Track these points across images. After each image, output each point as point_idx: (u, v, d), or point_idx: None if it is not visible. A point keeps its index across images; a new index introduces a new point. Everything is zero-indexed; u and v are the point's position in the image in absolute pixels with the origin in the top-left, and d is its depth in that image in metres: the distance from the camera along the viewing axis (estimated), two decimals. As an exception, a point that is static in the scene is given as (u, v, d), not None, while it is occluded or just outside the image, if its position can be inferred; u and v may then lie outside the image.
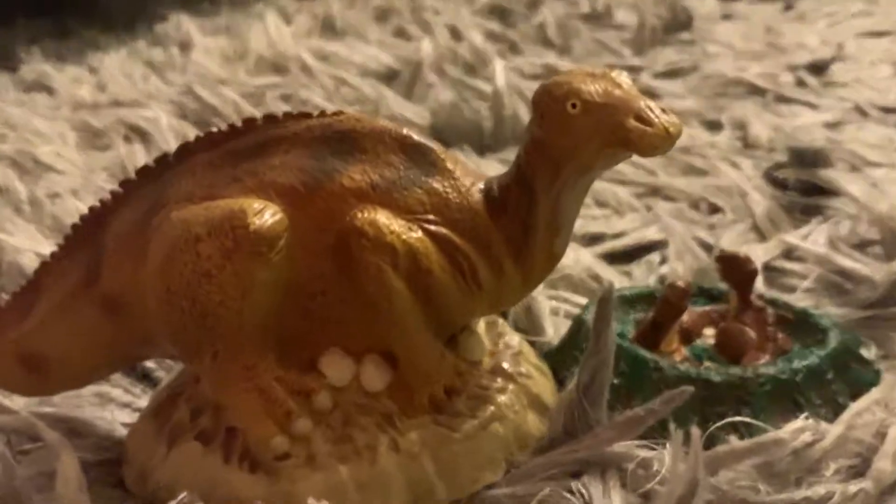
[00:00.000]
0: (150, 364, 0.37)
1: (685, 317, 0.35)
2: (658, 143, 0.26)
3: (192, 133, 0.58)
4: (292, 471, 0.28)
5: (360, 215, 0.28)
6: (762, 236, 0.46)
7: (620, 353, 0.32)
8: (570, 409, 0.30)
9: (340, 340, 0.30)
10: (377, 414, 0.29)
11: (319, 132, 0.29)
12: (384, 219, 0.28)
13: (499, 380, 0.31)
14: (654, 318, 0.35)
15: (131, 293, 0.30)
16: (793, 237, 0.44)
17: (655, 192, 0.51)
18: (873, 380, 0.34)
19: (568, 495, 0.28)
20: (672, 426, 0.20)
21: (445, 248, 0.29)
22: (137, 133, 0.61)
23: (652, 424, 0.29)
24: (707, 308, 0.37)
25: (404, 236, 0.28)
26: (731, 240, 0.45)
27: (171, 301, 0.28)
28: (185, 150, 0.30)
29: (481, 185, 0.30)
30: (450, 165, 0.30)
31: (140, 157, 0.57)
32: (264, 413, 0.28)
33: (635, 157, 0.29)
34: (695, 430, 0.21)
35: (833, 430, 0.30)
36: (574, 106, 0.27)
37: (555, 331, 0.37)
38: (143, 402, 0.35)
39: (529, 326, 0.38)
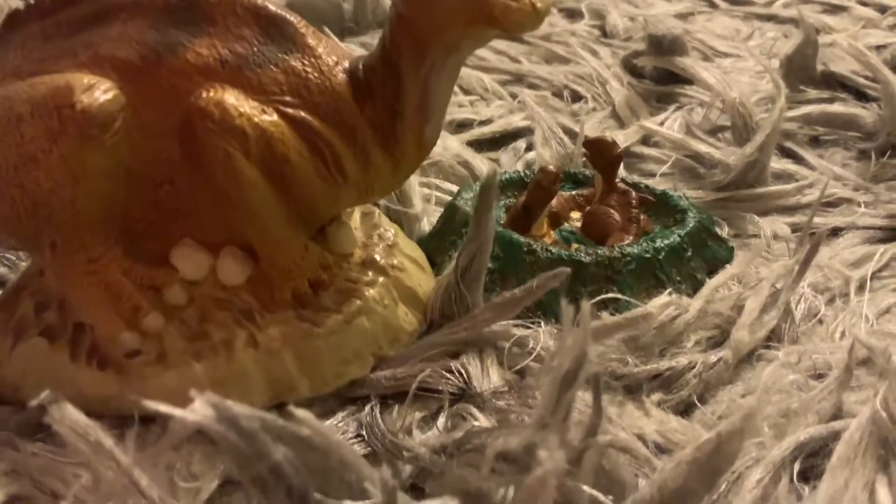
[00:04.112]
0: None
1: (553, 201, 0.35)
2: (524, 19, 0.24)
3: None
4: (143, 368, 0.26)
5: (205, 95, 0.25)
6: (622, 123, 0.46)
7: (495, 237, 0.32)
8: (447, 293, 0.30)
9: (194, 232, 0.27)
10: (235, 309, 0.27)
11: (163, 0, 0.26)
12: (233, 99, 0.25)
13: (369, 273, 0.29)
14: (525, 202, 0.34)
15: None
16: (651, 123, 0.45)
17: (520, 79, 0.50)
18: (727, 257, 0.35)
19: (447, 374, 0.28)
20: (563, 302, 0.20)
21: (305, 133, 0.26)
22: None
23: (526, 305, 0.29)
24: (573, 192, 0.37)
25: (256, 119, 0.25)
26: (592, 127, 0.45)
27: (0, 189, 0.25)
28: (15, 18, 0.27)
29: (346, 65, 0.27)
30: (311, 42, 0.27)
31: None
32: (111, 308, 0.26)
33: (499, 43, 0.28)
34: (585, 305, 0.20)
35: (694, 304, 0.31)
36: None
37: (422, 209, 0.36)
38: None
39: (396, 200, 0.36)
